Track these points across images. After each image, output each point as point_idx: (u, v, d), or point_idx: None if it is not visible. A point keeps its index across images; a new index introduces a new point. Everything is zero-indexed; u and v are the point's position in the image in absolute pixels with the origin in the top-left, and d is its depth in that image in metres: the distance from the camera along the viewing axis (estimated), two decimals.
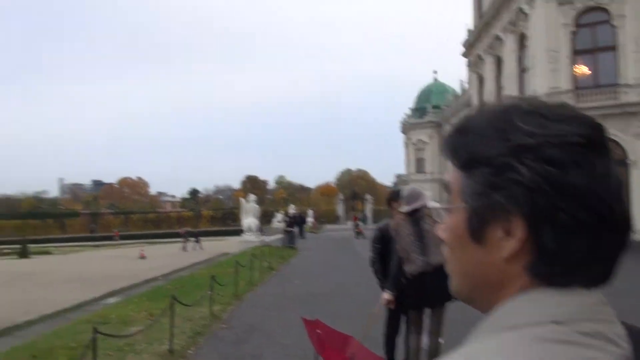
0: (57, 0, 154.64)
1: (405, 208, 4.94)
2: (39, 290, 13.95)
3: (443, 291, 4.63)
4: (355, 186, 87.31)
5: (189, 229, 34.67)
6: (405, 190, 5.32)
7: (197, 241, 30.92)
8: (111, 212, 71.90)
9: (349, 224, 50.24)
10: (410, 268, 4.79)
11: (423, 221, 4.87)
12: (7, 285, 15.63)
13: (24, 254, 29.92)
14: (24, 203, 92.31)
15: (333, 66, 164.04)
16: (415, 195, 5.05)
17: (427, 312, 4.92)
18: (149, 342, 6.25)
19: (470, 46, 40.31)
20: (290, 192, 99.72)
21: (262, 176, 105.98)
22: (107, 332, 5.47)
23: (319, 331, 5.08)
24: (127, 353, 5.83)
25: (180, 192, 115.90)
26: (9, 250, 34.04)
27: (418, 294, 4.80)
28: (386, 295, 4.92)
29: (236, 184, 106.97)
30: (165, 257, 25.25)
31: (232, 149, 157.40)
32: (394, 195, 5.34)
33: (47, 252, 33.22)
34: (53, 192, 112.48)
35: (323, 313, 7.77)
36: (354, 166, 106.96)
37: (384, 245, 5.14)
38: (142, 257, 24.81)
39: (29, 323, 8.58)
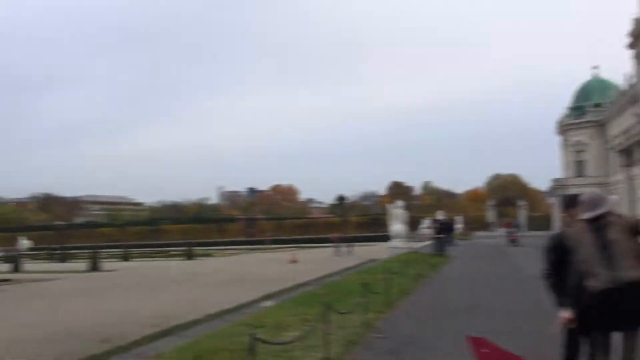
0: (212, 23, 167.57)
1: (586, 214, 4.34)
2: (202, 290, 14.88)
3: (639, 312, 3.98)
4: (506, 191, 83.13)
5: (341, 234, 35.15)
6: (586, 194, 4.67)
7: (349, 247, 31.21)
8: (265, 218, 75.78)
9: (500, 231, 47.87)
10: (592, 283, 4.16)
11: (608, 230, 4.22)
12: (175, 285, 16.92)
13: (189, 256, 32.44)
14: (189, 209, 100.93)
15: (481, 66, 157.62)
16: (599, 200, 4.42)
17: (618, 335, 4.24)
18: (305, 349, 6.20)
19: (637, 37, 36.33)
20: (437, 198, 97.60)
21: (407, 182, 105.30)
22: (263, 336, 5.52)
23: (485, 350, 4.64)
24: (283, 359, 5.84)
25: (327, 198, 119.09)
26: (177, 252, 37.19)
27: (604, 313, 4.15)
28: (565, 314, 4.34)
29: (382, 190, 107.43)
30: (315, 261, 25.81)
31: (377, 154, 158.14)
32: (571, 200, 4.72)
33: (208, 255, 35.70)
34: (213, 199, 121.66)
35: (483, 328, 7.23)
36: (504, 170, 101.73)
37: (559, 256, 4.54)
38: (294, 261, 25.57)
39: (193, 322, 9.06)
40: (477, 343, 4.52)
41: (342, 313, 7.02)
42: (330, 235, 35.72)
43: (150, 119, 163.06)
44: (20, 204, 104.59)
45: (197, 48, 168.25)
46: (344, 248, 30.84)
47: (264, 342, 4.46)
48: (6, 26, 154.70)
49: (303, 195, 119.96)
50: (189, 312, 10.34)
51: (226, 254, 37.46)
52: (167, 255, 37.15)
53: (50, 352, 7.34)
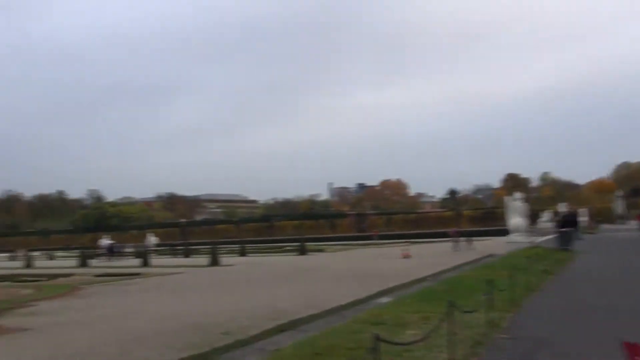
0: (318, 21, 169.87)
1: None
2: (316, 285, 14.94)
3: None
4: (636, 181, 76.41)
5: (459, 229, 34.02)
6: None
7: (467, 241, 30.05)
8: (375, 213, 75.66)
9: (632, 224, 43.92)
10: None
11: None
12: (289, 280, 17.17)
13: (302, 251, 33.00)
14: (301, 205, 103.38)
15: (606, 48, 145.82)
16: None
17: None
18: (427, 348, 5.86)
19: None
20: (557, 189, 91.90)
21: (523, 173, 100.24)
22: (382, 334, 5.25)
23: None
24: (405, 359, 5.54)
25: (438, 192, 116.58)
26: (290, 248, 38.06)
27: None
28: None
29: (496, 182, 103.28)
30: (428, 256, 25.17)
31: (491, 146, 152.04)
32: None
33: (320, 250, 36.16)
34: (324, 195, 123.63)
35: (626, 331, 6.47)
36: (633, 159, 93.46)
37: None
38: (406, 256, 25.11)
39: (310, 318, 9.01)
40: (633, 350, 3.94)
41: (466, 312, 6.57)
42: (448, 230, 34.72)
43: (263, 120, 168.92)
44: (147, 203, 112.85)
45: (306, 47, 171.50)
46: (462, 243, 29.72)
47: (387, 342, 4.18)
48: (133, 39, 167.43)
49: (412, 190, 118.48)
50: (304, 307, 10.35)
51: (337, 249, 37.72)
52: (281, 251, 38.11)
53: (176, 343, 7.60)
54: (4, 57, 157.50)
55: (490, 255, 21.37)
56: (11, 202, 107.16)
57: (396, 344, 4.99)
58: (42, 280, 20.41)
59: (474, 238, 31.82)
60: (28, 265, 31.47)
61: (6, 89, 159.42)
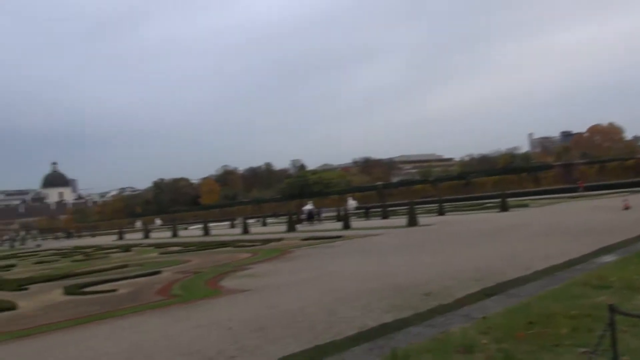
0: None
1: None
2: (521, 242, 13.89)
3: None
4: None
5: None
6: None
7: None
8: (584, 162, 68.76)
9: None
10: None
11: None
12: (491, 237, 16.26)
13: (503, 207, 31.30)
14: (499, 160, 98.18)
15: None
16: None
17: None
18: None
19: None
20: None
21: None
22: (609, 299, 4.48)
23: None
24: None
25: None
26: (491, 204, 36.38)
27: None
28: None
29: None
30: None
31: None
32: None
33: (523, 205, 33.96)
34: (524, 147, 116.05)
35: None
36: None
37: None
38: (627, 207, 22.29)
39: (519, 280, 8.26)
40: None
41: None
42: None
43: (453, 76, 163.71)
44: (345, 169, 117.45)
45: None
46: None
47: (627, 314, 3.47)
48: (327, 10, 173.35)
49: (629, 134, 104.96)
50: (511, 267, 9.61)
51: (542, 203, 35.08)
52: (481, 208, 36.66)
53: (378, 305, 7.54)
54: (223, 51, 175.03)
55: None
56: (228, 176, 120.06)
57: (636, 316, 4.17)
58: (257, 245, 22.33)
59: None
60: (245, 232, 34.78)
61: (215, 79, 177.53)
